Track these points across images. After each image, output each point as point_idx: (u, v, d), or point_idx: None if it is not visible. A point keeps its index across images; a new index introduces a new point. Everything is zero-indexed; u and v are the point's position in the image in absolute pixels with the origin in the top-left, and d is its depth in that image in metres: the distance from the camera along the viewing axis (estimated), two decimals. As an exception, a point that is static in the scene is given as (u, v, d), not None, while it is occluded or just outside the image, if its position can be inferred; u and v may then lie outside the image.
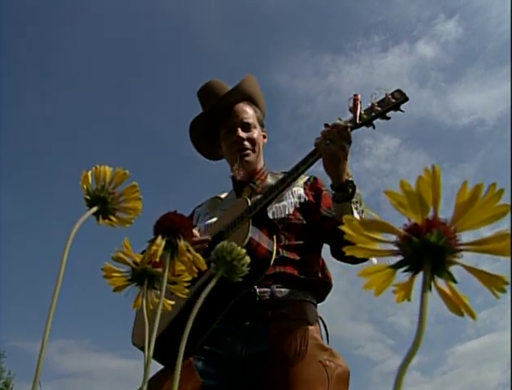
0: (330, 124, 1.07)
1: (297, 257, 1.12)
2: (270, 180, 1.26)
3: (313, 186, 1.25)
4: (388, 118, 1.06)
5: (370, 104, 1.07)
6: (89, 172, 0.51)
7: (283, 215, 1.16)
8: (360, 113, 1.06)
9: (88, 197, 0.49)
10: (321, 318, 1.12)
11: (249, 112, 1.30)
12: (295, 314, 1.05)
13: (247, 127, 1.28)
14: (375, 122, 1.07)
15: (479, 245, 0.29)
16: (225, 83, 1.33)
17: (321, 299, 1.16)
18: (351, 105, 1.07)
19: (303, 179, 1.26)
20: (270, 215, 1.16)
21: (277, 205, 1.18)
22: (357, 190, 1.06)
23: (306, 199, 1.20)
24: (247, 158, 1.27)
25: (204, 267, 0.51)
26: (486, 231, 0.29)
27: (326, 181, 1.23)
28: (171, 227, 0.50)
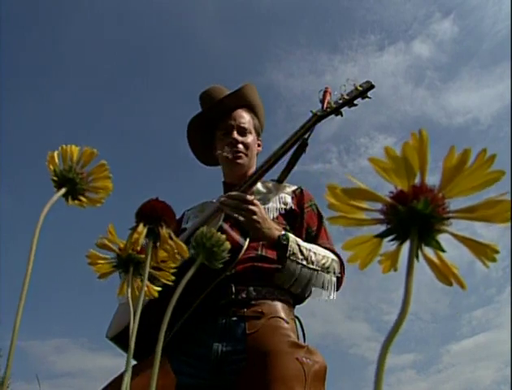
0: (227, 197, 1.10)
1: (276, 257, 1.10)
2: (259, 186, 1.25)
3: (299, 199, 1.24)
4: (356, 105, 1.12)
5: (338, 94, 1.14)
6: (55, 152, 0.48)
7: None
8: (328, 101, 1.13)
9: (55, 179, 0.47)
10: (297, 318, 1.11)
11: (246, 117, 1.30)
12: (271, 312, 1.04)
13: (243, 131, 1.28)
14: (343, 110, 1.13)
15: (468, 213, 0.28)
16: (227, 88, 1.32)
17: (300, 300, 1.15)
18: (321, 96, 1.14)
19: (291, 187, 1.26)
20: None
21: (261, 206, 1.15)
22: (291, 239, 1.06)
23: (292, 207, 1.20)
24: (239, 161, 1.27)
25: (186, 255, 0.49)
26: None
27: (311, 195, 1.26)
28: (153, 214, 0.48)
